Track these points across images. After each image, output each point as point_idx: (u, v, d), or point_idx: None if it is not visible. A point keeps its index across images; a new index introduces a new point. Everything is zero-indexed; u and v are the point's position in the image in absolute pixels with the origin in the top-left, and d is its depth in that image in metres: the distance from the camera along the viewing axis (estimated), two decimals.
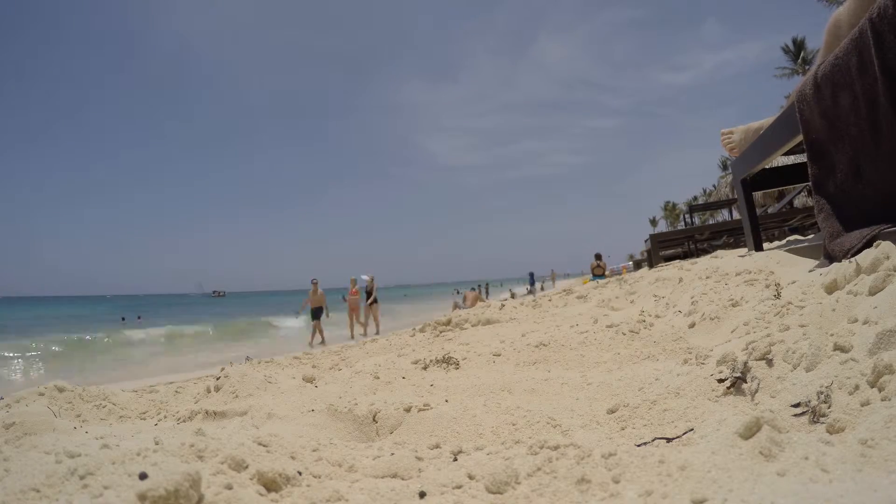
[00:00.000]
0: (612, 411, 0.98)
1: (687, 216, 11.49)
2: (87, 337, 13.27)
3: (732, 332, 1.42)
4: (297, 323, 13.36)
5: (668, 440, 0.75)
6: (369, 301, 10.73)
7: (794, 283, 1.59)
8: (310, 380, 1.73)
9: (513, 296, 16.69)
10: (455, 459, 0.78)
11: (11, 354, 10.00)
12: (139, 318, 23.90)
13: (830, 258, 1.58)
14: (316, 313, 10.09)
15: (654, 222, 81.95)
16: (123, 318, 24.26)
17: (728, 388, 0.90)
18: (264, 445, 0.77)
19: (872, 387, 0.66)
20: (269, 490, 0.64)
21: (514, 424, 0.99)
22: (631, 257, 21.30)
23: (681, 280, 2.75)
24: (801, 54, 31.96)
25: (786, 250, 2.27)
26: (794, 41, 32.39)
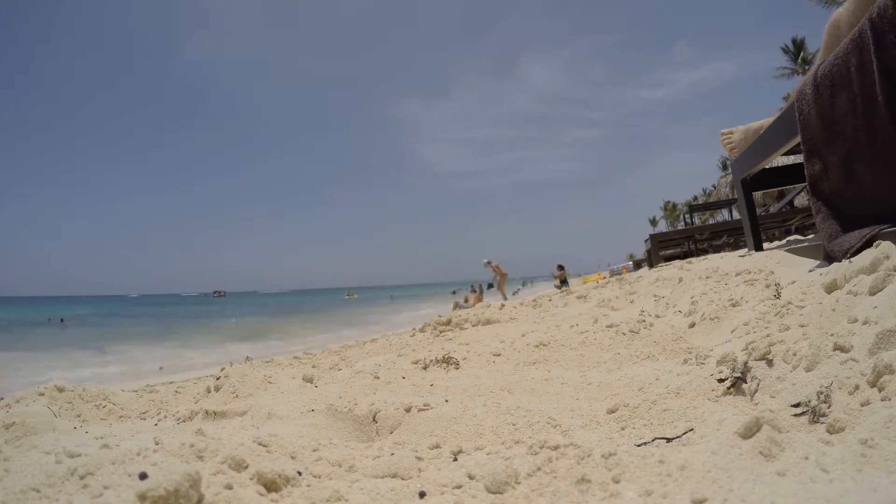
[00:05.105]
0: (612, 411, 0.97)
1: (687, 216, 11.49)
2: None
3: (732, 332, 1.42)
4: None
5: (668, 440, 0.75)
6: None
7: (794, 283, 1.59)
8: (310, 380, 1.73)
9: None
10: (455, 459, 0.78)
11: None
12: (62, 321, 23.21)
13: (830, 258, 1.58)
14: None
15: (654, 222, 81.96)
16: (49, 319, 24.36)
17: (728, 388, 0.90)
18: (264, 445, 0.77)
19: (872, 387, 0.66)
20: (269, 490, 0.64)
21: (514, 424, 0.98)
22: (631, 257, 21.28)
23: (681, 280, 2.75)
24: (801, 54, 31.95)
25: (786, 250, 2.27)
26: (794, 41, 32.38)
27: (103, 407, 1.68)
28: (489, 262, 13.64)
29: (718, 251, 7.35)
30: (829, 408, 0.68)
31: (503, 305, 4.31)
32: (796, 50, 32.27)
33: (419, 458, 0.77)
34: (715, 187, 29.10)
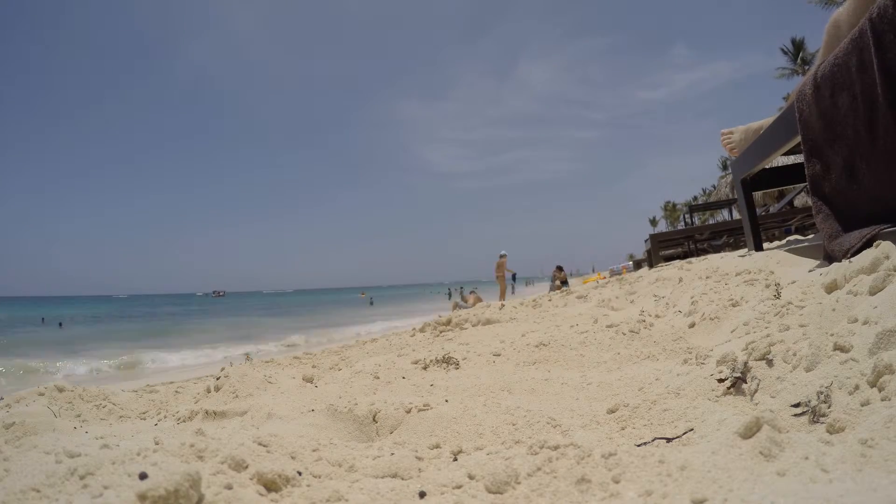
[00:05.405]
0: (612, 411, 0.97)
1: (687, 216, 11.48)
2: None
3: (732, 332, 1.42)
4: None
5: (668, 440, 0.75)
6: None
7: (794, 283, 1.59)
8: (310, 380, 1.73)
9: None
10: (455, 459, 0.78)
11: None
12: (60, 325, 22.57)
13: (830, 258, 1.58)
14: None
15: (654, 222, 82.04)
16: (43, 319, 24.79)
17: (728, 388, 0.90)
18: (264, 445, 0.77)
19: (872, 387, 0.66)
20: (269, 490, 0.64)
21: (514, 424, 0.98)
22: (631, 257, 21.30)
23: (681, 280, 2.75)
24: (801, 55, 31.95)
25: (786, 250, 2.27)
26: (794, 41, 32.37)
27: (103, 407, 1.68)
28: (503, 256, 13.42)
29: (718, 251, 7.35)
30: (829, 408, 0.68)
31: (503, 305, 4.31)
32: (796, 50, 32.26)
33: (419, 458, 0.77)
34: (715, 187, 29.11)
